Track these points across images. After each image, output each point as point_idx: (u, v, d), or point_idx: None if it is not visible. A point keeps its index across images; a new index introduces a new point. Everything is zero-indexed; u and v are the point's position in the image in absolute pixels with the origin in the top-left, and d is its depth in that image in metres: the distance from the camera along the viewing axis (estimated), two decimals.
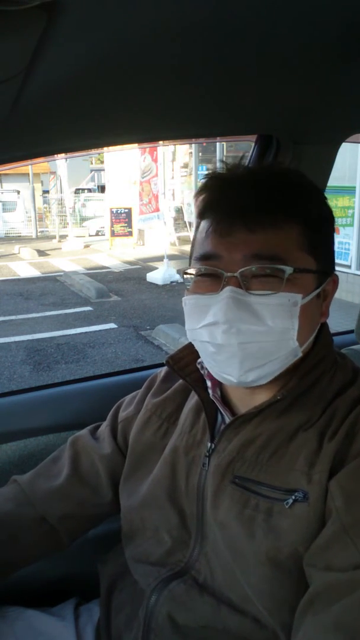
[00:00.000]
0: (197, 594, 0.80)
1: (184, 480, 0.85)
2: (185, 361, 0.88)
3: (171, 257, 10.33)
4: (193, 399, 0.91)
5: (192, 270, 0.79)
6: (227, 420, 0.84)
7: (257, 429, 0.79)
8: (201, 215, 0.80)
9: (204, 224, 0.79)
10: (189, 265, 0.82)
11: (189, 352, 0.89)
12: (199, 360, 0.88)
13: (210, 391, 0.87)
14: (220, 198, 0.77)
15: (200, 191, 0.80)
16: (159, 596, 0.82)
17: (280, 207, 0.74)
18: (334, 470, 0.71)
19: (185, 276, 0.80)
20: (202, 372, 0.88)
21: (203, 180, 0.81)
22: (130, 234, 13.09)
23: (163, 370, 1.02)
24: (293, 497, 0.72)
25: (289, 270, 0.72)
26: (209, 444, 0.84)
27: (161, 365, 1.51)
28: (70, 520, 0.98)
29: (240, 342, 0.72)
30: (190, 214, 11.95)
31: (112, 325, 6.89)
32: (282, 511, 0.73)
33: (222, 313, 0.72)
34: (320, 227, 0.79)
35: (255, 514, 0.74)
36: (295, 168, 1.22)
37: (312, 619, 0.65)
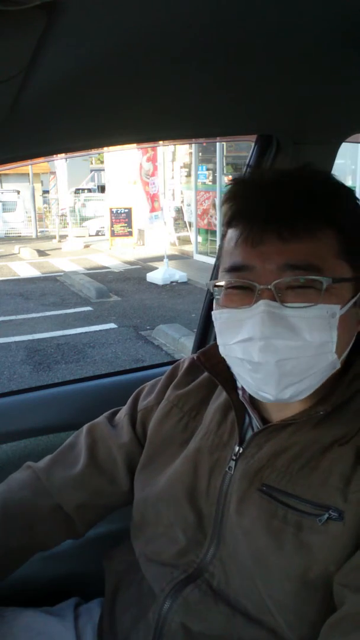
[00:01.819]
0: (212, 601, 0.78)
1: (206, 480, 0.83)
2: (216, 358, 0.84)
3: (171, 257, 10.33)
4: (220, 397, 0.89)
5: (221, 283, 0.75)
6: (255, 423, 0.82)
7: (291, 439, 0.76)
8: (229, 223, 0.76)
9: (232, 232, 0.75)
10: (216, 276, 0.78)
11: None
12: None
13: (239, 392, 0.85)
14: (250, 205, 0.74)
15: (227, 198, 0.76)
16: (173, 603, 0.80)
17: (314, 213, 0.71)
18: None
19: (214, 289, 0.76)
20: (232, 371, 0.85)
21: (229, 187, 0.77)
22: (130, 234, 13.09)
23: (186, 361, 1.00)
24: (327, 514, 0.69)
25: (327, 281, 0.69)
26: (236, 448, 0.81)
27: (161, 365, 1.51)
28: (87, 509, 0.97)
29: (277, 359, 0.69)
30: (190, 214, 11.94)
31: (112, 325, 6.88)
32: (314, 527, 0.70)
33: (257, 329, 0.68)
34: (355, 230, 0.75)
35: (284, 526, 0.72)
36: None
37: (341, 638, 0.64)
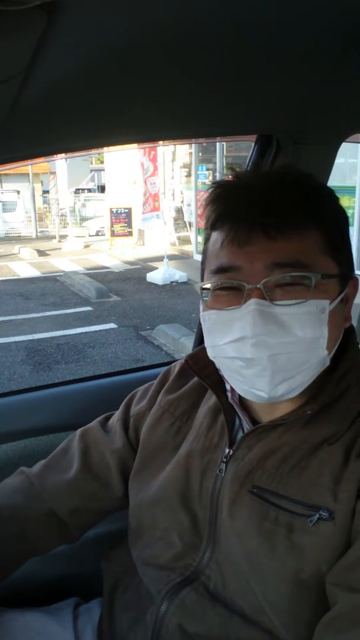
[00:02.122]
0: (208, 603, 0.78)
1: (198, 483, 0.83)
2: (205, 361, 0.84)
3: (171, 257, 10.33)
4: (210, 400, 0.89)
5: (209, 285, 0.76)
6: (245, 425, 0.82)
7: (281, 439, 0.76)
8: (213, 225, 0.76)
9: (217, 235, 0.75)
10: (201, 279, 0.79)
11: None
12: None
13: (229, 394, 0.85)
14: (234, 206, 0.74)
15: (210, 201, 0.76)
16: (170, 605, 0.80)
17: (299, 211, 0.72)
18: None
19: (202, 291, 0.77)
20: (221, 374, 0.85)
21: (211, 189, 0.77)
22: (130, 234, 13.09)
23: (177, 366, 1.00)
24: (318, 515, 0.70)
25: (316, 277, 0.69)
26: (226, 450, 0.81)
27: (161, 365, 1.51)
28: (80, 514, 0.97)
29: (270, 354, 0.69)
30: (190, 214, 11.94)
31: (112, 325, 6.88)
32: (305, 528, 0.70)
33: (249, 328, 0.69)
34: (338, 228, 0.76)
35: (275, 528, 0.72)
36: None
37: (334, 637, 0.64)
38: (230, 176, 0.79)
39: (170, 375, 0.99)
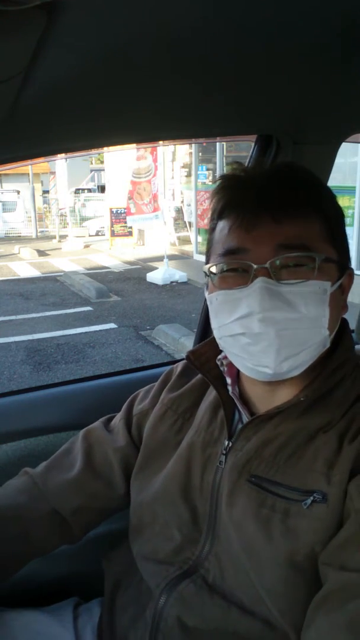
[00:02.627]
0: (207, 595, 0.79)
1: (199, 477, 0.84)
2: (206, 357, 0.88)
3: (171, 257, 10.33)
4: (211, 395, 0.90)
5: (215, 269, 0.78)
6: (245, 418, 0.84)
7: (277, 429, 0.78)
8: (220, 214, 0.80)
9: (224, 223, 0.79)
10: (207, 264, 0.81)
11: (210, 348, 0.89)
12: (219, 356, 0.88)
13: (229, 388, 0.87)
14: (240, 195, 0.78)
15: (216, 192, 0.80)
16: (169, 597, 0.81)
17: (304, 200, 0.76)
18: (354, 473, 0.71)
19: (209, 274, 0.80)
20: (222, 368, 0.88)
21: (218, 182, 0.81)
22: (130, 234, 13.10)
23: (180, 365, 1.01)
24: (312, 497, 0.72)
25: (320, 257, 0.73)
26: (226, 442, 0.83)
27: (161, 365, 1.51)
28: (83, 513, 0.97)
29: (277, 329, 0.72)
30: (190, 214, 11.94)
31: (112, 325, 6.88)
32: (300, 512, 0.72)
33: (257, 303, 0.72)
34: (337, 221, 0.81)
35: (272, 514, 0.74)
36: None
37: (325, 616, 0.65)
38: (234, 169, 0.82)
39: (173, 374, 1.01)
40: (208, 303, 0.80)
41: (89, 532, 1.02)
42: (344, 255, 0.81)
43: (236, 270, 0.76)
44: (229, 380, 0.87)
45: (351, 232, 7.82)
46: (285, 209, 0.74)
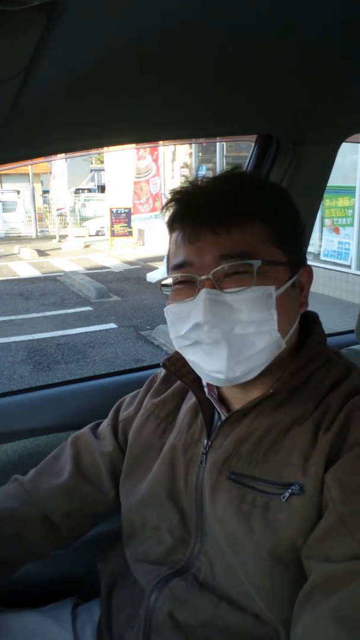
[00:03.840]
0: (197, 591, 0.80)
1: (183, 478, 0.86)
2: (182, 362, 0.89)
3: None
4: (191, 399, 0.92)
5: (168, 281, 0.82)
6: (224, 418, 0.85)
7: (252, 424, 0.80)
8: (170, 227, 0.84)
9: (174, 235, 0.83)
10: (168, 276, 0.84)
11: None
12: None
13: (206, 390, 0.88)
14: (184, 209, 0.82)
15: (166, 206, 0.84)
16: (160, 594, 0.82)
17: (240, 207, 0.78)
18: (329, 463, 0.72)
19: (163, 288, 0.83)
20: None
21: (168, 197, 0.85)
22: (130, 234, 13.09)
23: (163, 371, 1.03)
24: (290, 490, 0.73)
25: (257, 263, 0.75)
26: (205, 442, 0.85)
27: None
28: (73, 518, 0.99)
29: (224, 337, 0.75)
30: None
31: (112, 325, 6.89)
32: (279, 505, 0.73)
33: (201, 314, 0.75)
34: (284, 221, 0.82)
35: (252, 509, 0.75)
36: (294, 168, 1.22)
37: (312, 610, 0.65)
38: (182, 185, 0.87)
39: (156, 380, 1.03)
40: (165, 315, 0.83)
41: (88, 533, 1.02)
42: (298, 254, 0.83)
43: (185, 282, 0.80)
44: (205, 382, 0.88)
45: (351, 232, 7.83)
46: (220, 219, 0.76)
